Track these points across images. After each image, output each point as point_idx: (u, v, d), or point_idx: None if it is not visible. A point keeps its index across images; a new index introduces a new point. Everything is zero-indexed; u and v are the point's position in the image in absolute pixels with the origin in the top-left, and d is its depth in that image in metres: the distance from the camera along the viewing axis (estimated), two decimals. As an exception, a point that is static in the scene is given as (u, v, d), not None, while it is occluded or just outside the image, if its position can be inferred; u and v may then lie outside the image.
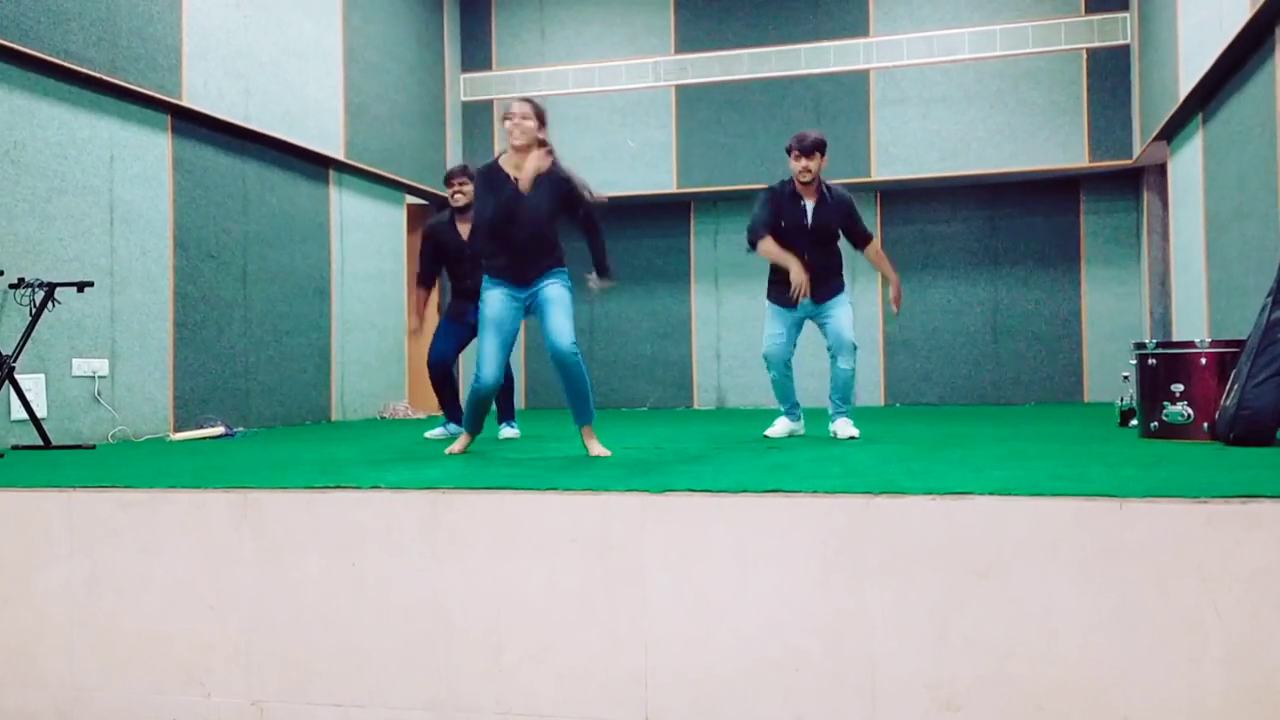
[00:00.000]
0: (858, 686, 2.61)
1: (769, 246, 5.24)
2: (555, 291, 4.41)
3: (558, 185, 4.40)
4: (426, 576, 2.93)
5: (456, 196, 5.88)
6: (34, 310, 5.43)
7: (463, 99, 10.71)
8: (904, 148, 9.81)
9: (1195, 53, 7.02)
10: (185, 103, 6.81)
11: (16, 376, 5.28)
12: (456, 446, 4.63)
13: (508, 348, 4.47)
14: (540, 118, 4.35)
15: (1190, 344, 4.67)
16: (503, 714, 2.84)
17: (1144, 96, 8.94)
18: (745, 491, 2.78)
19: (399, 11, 9.67)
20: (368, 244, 9.23)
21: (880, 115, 9.87)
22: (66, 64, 5.87)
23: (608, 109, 10.42)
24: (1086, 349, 10.09)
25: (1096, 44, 9.46)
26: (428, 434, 6.07)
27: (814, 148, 5.21)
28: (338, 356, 8.74)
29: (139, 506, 3.16)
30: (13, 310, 5.57)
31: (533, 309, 4.48)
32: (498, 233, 4.36)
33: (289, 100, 7.94)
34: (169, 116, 6.84)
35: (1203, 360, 4.59)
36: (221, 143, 7.37)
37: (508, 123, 4.33)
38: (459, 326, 6.01)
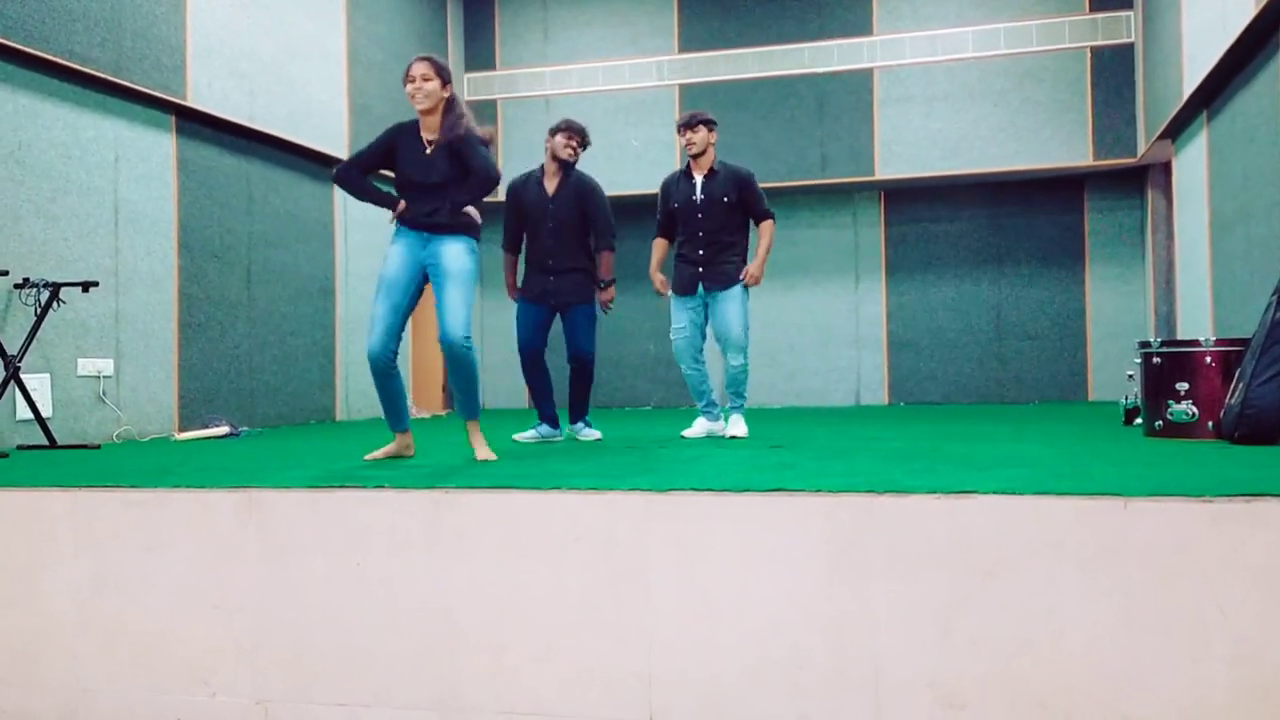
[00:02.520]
0: (862, 685, 2.61)
1: (654, 253, 5.56)
2: (454, 261, 4.05)
3: (459, 153, 4.06)
4: (431, 576, 2.93)
5: (567, 150, 5.29)
6: (39, 310, 5.45)
7: (466, 99, 10.71)
8: (908, 146, 9.80)
9: (1199, 51, 7.00)
10: (190, 103, 6.82)
11: (22, 376, 5.29)
12: (379, 452, 4.20)
13: (400, 312, 4.07)
14: (442, 75, 4.07)
15: (1195, 342, 4.66)
16: (506, 714, 2.84)
17: (1148, 95, 8.93)
18: (749, 490, 2.78)
19: (402, 11, 9.68)
20: (372, 243, 9.24)
21: (884, 114, 9.86)
22: (71, 64, 5.89)
23: (611, 108, 10.42)
24: (1091, 348, 10.08)
25: (1101, 42, 9.45)
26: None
27: (689, 121, 5.26)
28: (342, 356, 8.75)
29: (143, 506, 3.17)
30: (18, 310, 5.58)
31: (430, 275, 4.12)
32: (404, 186, 4.12)
33: (293, 100, 7.95)
34: (173, 117, 6.85)
35: (1208, 359, 4.58)
36: (226, 143, 7.38)
37: (409, 86, 4.05)
38: (538, 307, 5.32)
